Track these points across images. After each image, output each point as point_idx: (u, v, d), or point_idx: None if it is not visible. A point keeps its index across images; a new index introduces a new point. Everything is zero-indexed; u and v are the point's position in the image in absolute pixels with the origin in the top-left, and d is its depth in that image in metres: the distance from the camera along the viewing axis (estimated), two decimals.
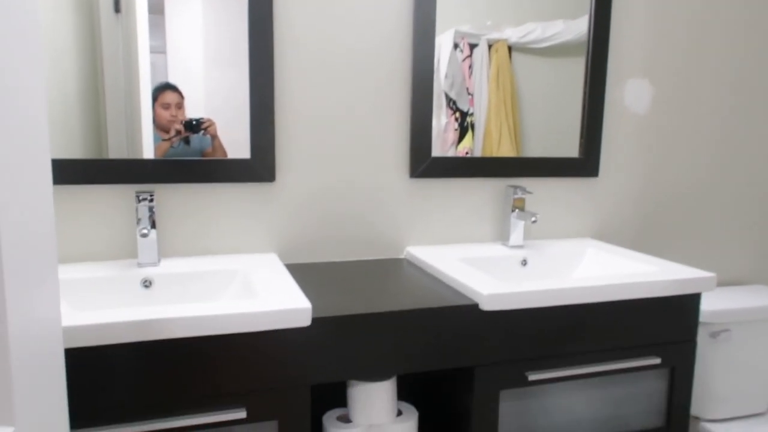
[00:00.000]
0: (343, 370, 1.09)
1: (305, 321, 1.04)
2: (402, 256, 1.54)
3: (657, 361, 1.29)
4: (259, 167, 1.37)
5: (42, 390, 0.56)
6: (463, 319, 1.15)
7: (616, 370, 1.27)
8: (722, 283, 1.89)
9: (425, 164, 1.50)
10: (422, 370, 1.14)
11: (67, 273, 1.21)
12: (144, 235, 1.25)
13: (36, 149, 0.56)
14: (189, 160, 1.33)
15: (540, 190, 1.64)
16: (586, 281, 1.23)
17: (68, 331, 0.92)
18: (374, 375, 1.12)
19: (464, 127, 1.54)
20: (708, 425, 1.71)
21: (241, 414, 1.03)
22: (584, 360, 1.25)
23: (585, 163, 1.65)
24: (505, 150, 1.58)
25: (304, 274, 1.36)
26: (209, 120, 1.34)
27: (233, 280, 1.29)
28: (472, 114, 1.54)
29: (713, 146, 1.80)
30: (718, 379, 1.69)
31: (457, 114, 1.53)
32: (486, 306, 1.14)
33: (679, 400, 1.35)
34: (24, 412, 0.52)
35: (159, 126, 1.32)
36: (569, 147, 1.63)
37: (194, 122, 1.34)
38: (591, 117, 1.63)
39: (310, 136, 1.43)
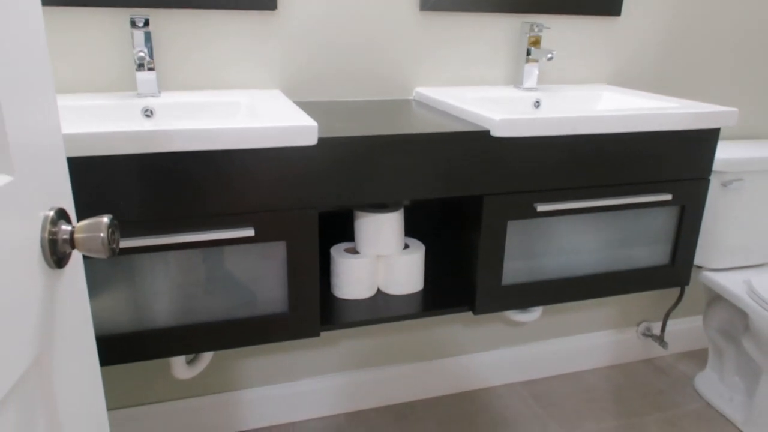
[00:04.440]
0: (351, 194, 1.08)
1: (311, 139, 1.01)
2: (411, 97, 1.48)
3: (668, 197, 1.28)
4: None
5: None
6: (474, 146, 1.12)
7: (626, 204, 1.26)
8: (741, 137, 1.84)
9: None
10: (430, 196, 1.13)
11: (62, 101, 1.17)
12: (141, 60, 1.20)
13: None
14: None
15: (557, 30, 1.55)
16: (602, 111, 1.18)
17: (69, 138, 0.89)
18: (382, 201, 1.11)
19: None
20: (709, 273, 1.74)
21: (249, 232, 1.03)
22: (594, 194, 1.23)
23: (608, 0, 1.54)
24: None
25: (307, 108, 1.31)
26: None
27: (238, 111, 1.25)
28: None
29: None
30: (724, 229, 1.69)
31: None
32: (497, 132, 1.11)
33: (687, 239, 1.35)
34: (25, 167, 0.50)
35: None
36: None
37: None
38: None
39: None
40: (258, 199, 1.03)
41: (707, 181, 1.31)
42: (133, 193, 0.96)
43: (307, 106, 1.33)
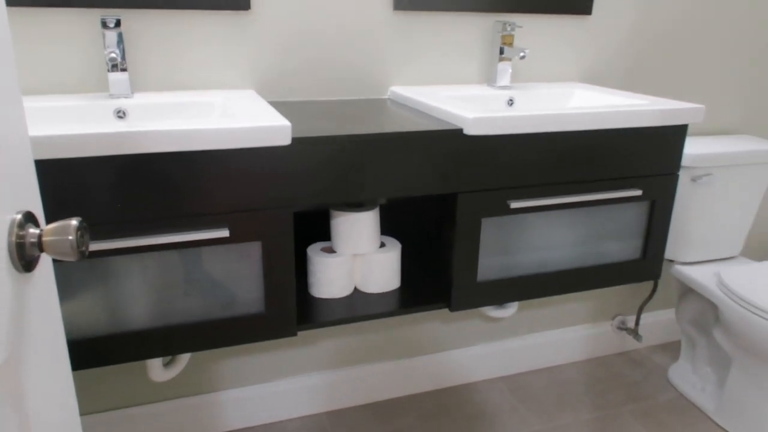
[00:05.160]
0: (325, 194, 1.08)
1: (285, 139, 1.01)
2: (385, 96, 1.49)
3: (638, 192, 1.30)
4: None
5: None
6: (447, 144, 1.13)
7: (597, 201, 1.28)
8: (709, 132, 1.88)
9: None
10: (405, 195, 1.14)
11: (31, 102, 1.16)
12: (113, 62, 1.19)
13: None
14: None
15: (529, 29, 1.57)
16: (573, 109, 1.20)
17: (38, 140, 0.88)
18: (357, 200, 1.11)
19: None
20: (680, 267, 1.77)
21: (224, 233, 1.03)
22: (566, 190, 1.25)
23: None
24: None
25: (281, 109, 1.31)
26: None
27: (212, 111, 1.25)
28: None
29: None
30: (695, 223, 1.72)
31: None
32: (470, 130, 1.12)
33: (657, 234, 1.38)
34: None
35: None
36: None
37: None
38: None
39: None
40: (232, 200, 1.03)
41: (676, 177, 1.34)
42: (106, 195, 0.95)
43: (282, 106, 1.33)
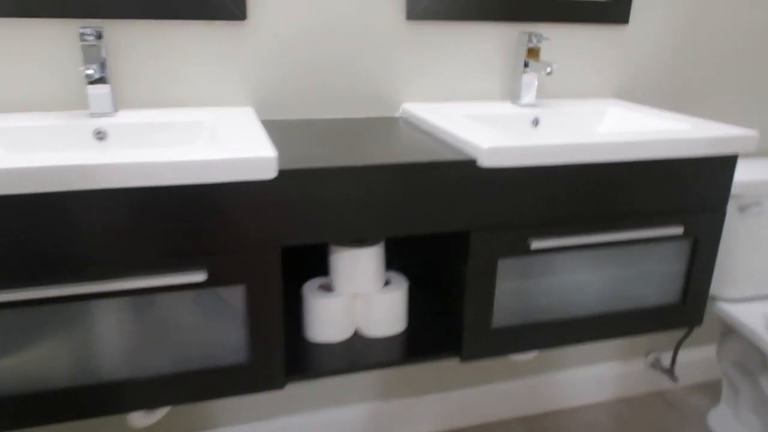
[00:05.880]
0: (317, 232, 0.96)
1: (269, 172, 0.88)
2: (397, 114, 1.36)
3: (679, 231, 1.14)
4: (226, 0, 1.16)
5: None
6: (459, 176, 0.99)
7: (632, 240, 1.13)
8: (761, 153, 1.69)
9: (425, 2, 1.27)
10: (408, 233, 1.00)
11: (4, 122, 1.06)
12: (91, 78, 1.07)
13: None
14: None
15: (558, 40, 1.41)
16: (601, 137, 1.05)
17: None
18: (353, 239, 0.98)
19: None
20: (724, 305, 1.60)
21: (201, 276, 0.91)
22: (596, 227, 1.10)
23: (614, 6, 1.40)
24: None
25: (281, 129, 1.19)
26: None
27: (201, 132, 1.13)
28: None
29: None
30: (741, 256, 1.55)
31: None
32: (485, 162, 0.98)
33: (700, 276, 1.22)
34: None
35: None
36: None
37: None
38: None
39: None
40: (210, 238, 0.90)
41: (723, 213, 1.18)
42: (61, 236, 0.84)
43: (280, 126, 1.21)
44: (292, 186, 0.92)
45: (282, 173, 0.91)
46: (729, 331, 1.66)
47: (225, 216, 0.90)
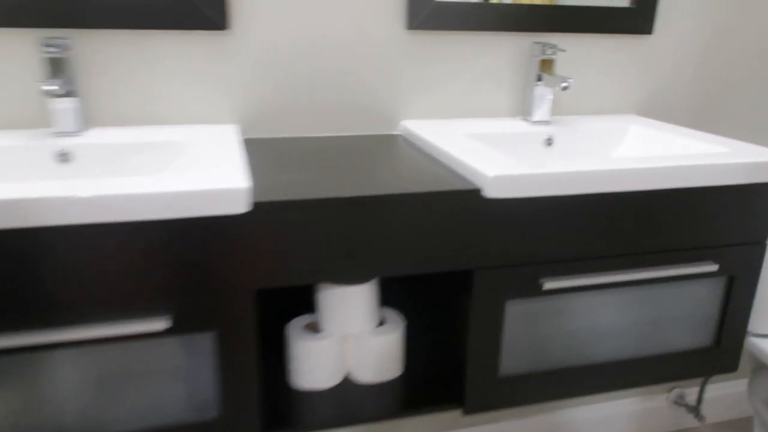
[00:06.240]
0: (298, 273, 0.84)
1: (241, 206, 0.77)
2: (396, 132, 1.24)
3: (713, 268, 1.01)
4: (205, 8, 1.05)
5: None
6: (461, 209, 0.87)
7: (658, 278, 0.99)
8: None
9: (427, 10, 1.16)
10: (403, 273, 0.88)
11: None
12: (52, 93, 0.97)
13: None
14: None
15: (574, 51, 1.29)
16: (624, 162, 0.92)
17: None
18: (341, 279, 0.86)
19: None
20: (756, 339, 1.46)
21: (164, 323, 0.79)
22: (616, 265, 0.97)
23: (637, 15, 1.27)
24: None
25: (266, 149, 1.07)
26: None
27: (180, 154, 1.01)
28: None
29: None
30: None
31: None
32: (491, 192, 0.85)
33: (736, 316, 1.08)
34: None
35: None
36: None
37: None
38: None
39: None
40: (175, 281, 0.79)
41: (763, 247, 1.04)
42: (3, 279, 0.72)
43: (267, 145, 1.10)
44: (269, 221, 0.80)
45: (257, 206, 0.79)
46: (761, 367, 1.52)
47: (191, 255, 0.78)
